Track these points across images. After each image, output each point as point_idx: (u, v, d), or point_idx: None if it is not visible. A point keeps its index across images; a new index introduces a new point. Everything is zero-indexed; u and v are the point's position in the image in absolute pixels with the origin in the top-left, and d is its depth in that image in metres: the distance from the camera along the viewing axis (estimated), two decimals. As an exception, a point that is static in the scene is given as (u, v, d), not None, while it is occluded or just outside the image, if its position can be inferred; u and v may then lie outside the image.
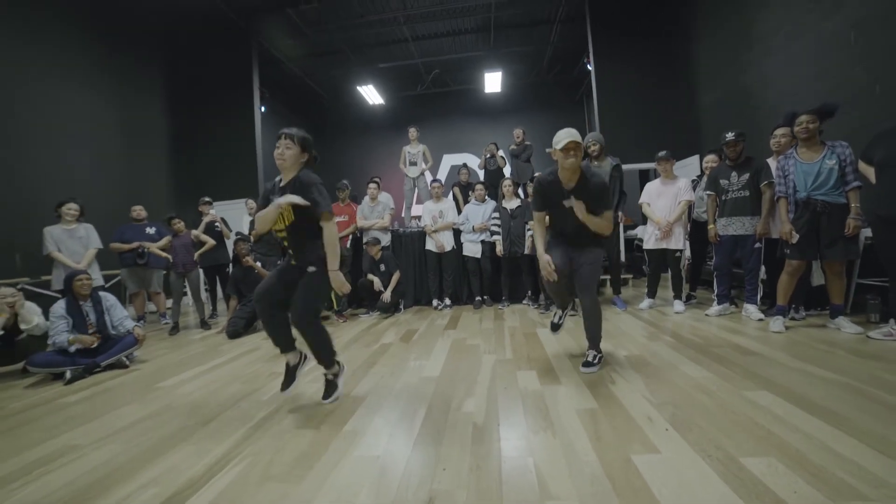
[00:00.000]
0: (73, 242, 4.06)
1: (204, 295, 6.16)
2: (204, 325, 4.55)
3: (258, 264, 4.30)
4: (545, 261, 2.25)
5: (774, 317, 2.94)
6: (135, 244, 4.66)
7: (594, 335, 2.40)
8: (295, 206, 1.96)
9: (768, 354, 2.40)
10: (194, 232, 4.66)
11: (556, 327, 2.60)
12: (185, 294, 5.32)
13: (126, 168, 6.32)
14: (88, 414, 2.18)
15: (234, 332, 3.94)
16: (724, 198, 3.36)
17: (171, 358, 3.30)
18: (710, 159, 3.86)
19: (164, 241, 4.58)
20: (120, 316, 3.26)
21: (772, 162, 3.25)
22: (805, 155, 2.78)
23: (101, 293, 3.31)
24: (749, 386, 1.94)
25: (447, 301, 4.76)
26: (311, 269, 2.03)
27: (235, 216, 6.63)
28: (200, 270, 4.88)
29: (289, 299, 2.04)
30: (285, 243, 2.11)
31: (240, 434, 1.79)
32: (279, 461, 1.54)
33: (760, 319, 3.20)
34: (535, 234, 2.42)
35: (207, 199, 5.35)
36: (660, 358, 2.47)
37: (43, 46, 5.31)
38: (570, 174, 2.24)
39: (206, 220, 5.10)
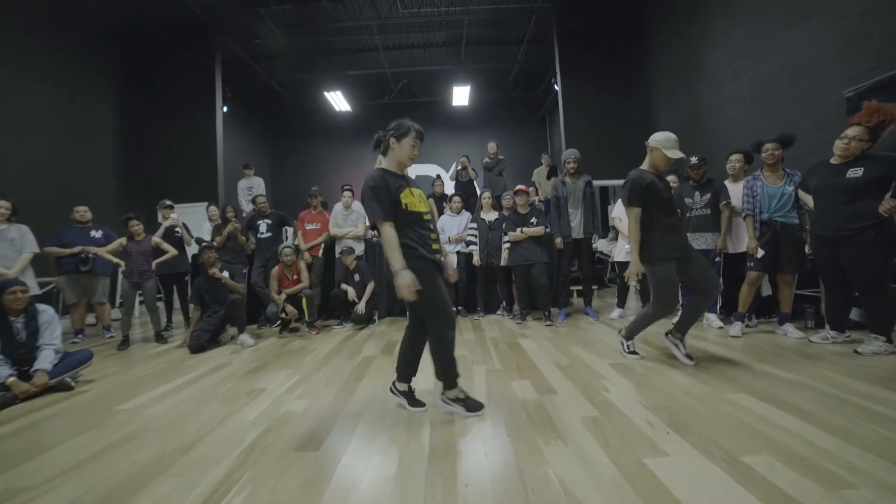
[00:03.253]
0: (4, 245, 3.62)
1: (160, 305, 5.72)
2: (159, 338, 4.19)
3: (226, 275, 4.04)
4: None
5: (735, 322, 3.22)
6: (77, 249, 4.21)
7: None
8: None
9: (736, 359, 2.61)
10: (155, 238, 4.31)
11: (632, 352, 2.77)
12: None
13: (64, 164, 5.74)
14: (34, 446, 1.90)
15: (198, 347, 3.66)
16: (688, 215, 3.64)
17: (127, 376, 3.00)
18: (672, 179, 4.16)
19: (116, 244, 4.17)
20: (50, 338, 2.72)
21: (728, 184, 3.57)
22: (770, 179, 3.11)
23: (40, 306, 2.86)
24: (728, 389, 2.10)
25: (423, 312, 4.71)
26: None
27: (193, 221, 6.21)
28: (157, 280, 4.50)
29: None
30: (433, 234, 1.97)
31: (232, 459, 1.66)
32: (284, 488, 1.44)
33: (720, 327, 3.47)
34: (633, 231, 2.52)
35: (168, 202, 4.97)
36: (642, 365, 2.60)
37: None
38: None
39: (165, 224, 4.74)
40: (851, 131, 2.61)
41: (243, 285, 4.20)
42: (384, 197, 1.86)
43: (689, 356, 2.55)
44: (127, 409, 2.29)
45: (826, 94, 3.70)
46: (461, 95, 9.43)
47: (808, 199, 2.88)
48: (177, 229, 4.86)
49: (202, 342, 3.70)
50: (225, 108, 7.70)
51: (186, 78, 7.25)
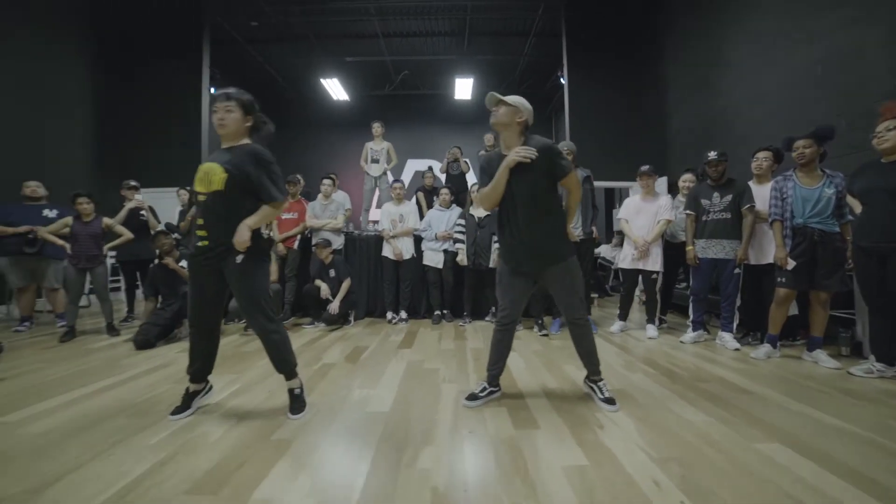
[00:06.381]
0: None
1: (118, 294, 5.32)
2: (111, 330, 3.77)
3: (183, 265, 3.62)
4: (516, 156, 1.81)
5: (762, 345, 2.81)
6: (23, 228, 3.82)
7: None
8: (229, 176, 1.74)
9: (761, 393, 2.16)
10: (107, 220, 3.89)
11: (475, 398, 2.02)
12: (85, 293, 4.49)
13: (29, 139, 5.34)
14: None
15: (144, 342, 3.24)
16: (704, 219, 3.19)
17: (45, 375, 2.58)
18: (688, 178, 3.72)
19: (60, 223, 3.76)
20: None
21: (753, 185, 3.13)
22: (804, 180, 2.65)
23: None
24: (757, 436, 1.65)
25: (403, 314, 4.29)
26: (239, 258, 1.76)
27: (167, 207, 5.82)
28: (108, 265, 4.09)
29: (220, 314, 1.95)
30: (199, 221, 1.78)
31: (101, 502, 1.24)
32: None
33: (737, 349, 3.02)
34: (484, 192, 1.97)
35: (133, 182, 4.58)
36: (646, 394, 2.15)
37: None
38: (507, 137, 1.92)
39: (128, 205, 4.35)
40: (882, 126, 2.20)
41: (203, 276, 3.78)
42: None
43: (609, 400, 1.96)
44: (9, 423, 1.86)
45: (870, 85, 3.23)
46: (464, 88, 9.00)
47: (857, 205, 2.43)
48: (142, 212, 4.46)
49: (149, 337, 3.28)
50: (213, 90, 7.30)
51: (172, 56, 6.85)
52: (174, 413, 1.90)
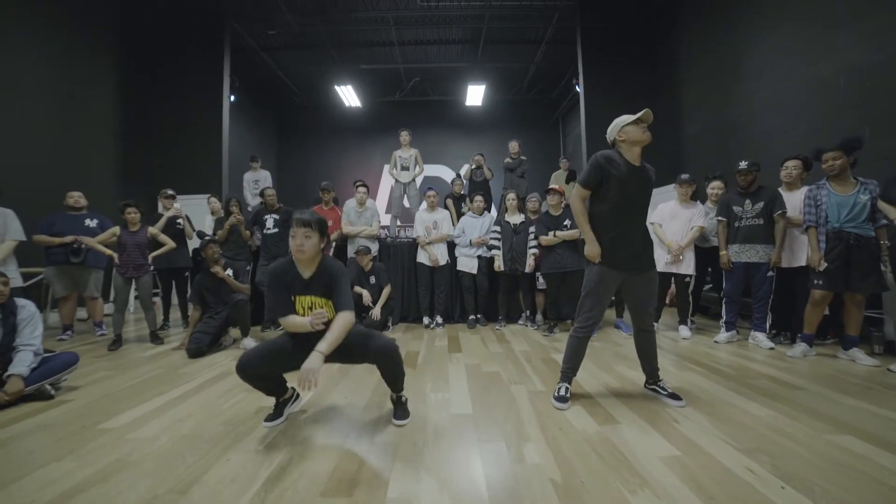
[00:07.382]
0: (-14, 233, 3.28)
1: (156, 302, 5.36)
2: (155, 338, 3.84)
3: (229, 274, 3.70)
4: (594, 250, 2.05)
5: (798, 344, 2.95)
6: (69, 238, 3.88)
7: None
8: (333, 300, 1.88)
9: (812, 389, 2.30)
10: (152, 229, 3.97)
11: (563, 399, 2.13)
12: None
13: (60, 147, 5.38)
14: None
15: (197, 351, 3.32)
16: (736, 225, 3.35)
17: (116, 384, 2.66)
18: (717, 186, 3.88)
19: (109, 233, 3.82)
20: (29, 338, 2.36)
21: (782, 192, 3.29)
22: (837, 188, 2.81)
23: (19, 301, 2.47)
24: (826, 428, 1.79)
25: (439, 319, 4.40)
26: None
27: (195, 214, 5.88)
28: (153, 274, 4.16)
29: (272, 371, 1.95)
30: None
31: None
32: (314, 548, 1.12)
33: (771, 348, 3.18)
34: (578, 211, 2.11)
35: (171, 191, 4.64)
36: (704, 391, 2.29)
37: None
38: (638, 152, 2.10)
39: (168, 214, 4.41)
40: None
41: (247, 285, 3.87)
42: (279, 292, 1.88)
43: (674, 395, 2.11)
44: (113, 430, 1.94)
45: None
46: (475, 95, 9.15)
47: (891, 211, 2.59)
48: (178, 221, 4.53)
49: (202, 346, 3.36)
50: (232, 98, 7.38)
51: (194, 64, 6.94)
52: (267, 420, 1.99)
